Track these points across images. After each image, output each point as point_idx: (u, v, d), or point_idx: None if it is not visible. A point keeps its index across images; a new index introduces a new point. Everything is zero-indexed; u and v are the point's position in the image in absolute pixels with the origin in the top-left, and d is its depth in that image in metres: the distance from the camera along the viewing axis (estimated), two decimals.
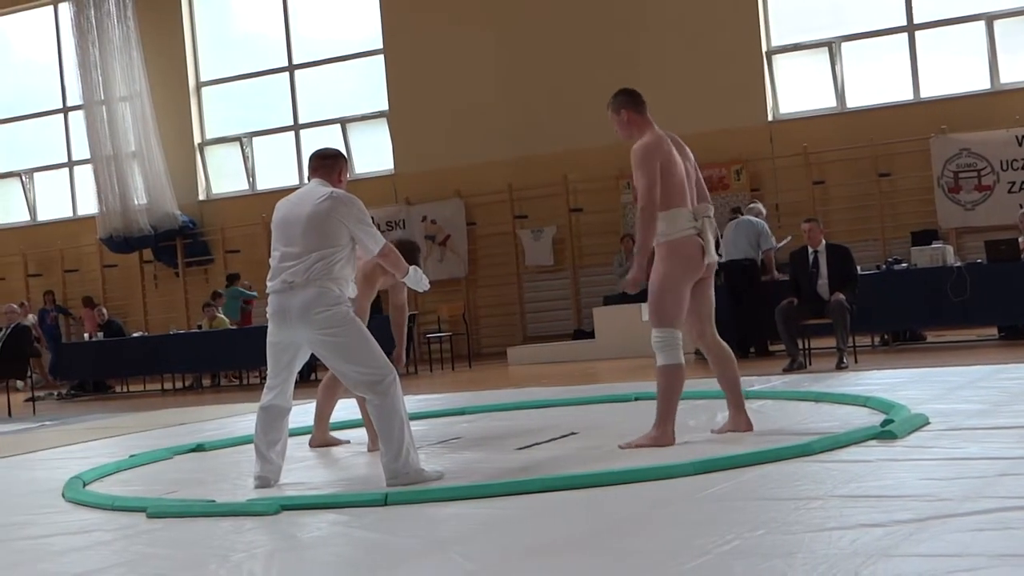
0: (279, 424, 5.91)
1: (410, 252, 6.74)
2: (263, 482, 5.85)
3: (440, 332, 17.12)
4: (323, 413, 7.47)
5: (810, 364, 10.96)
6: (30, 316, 19.94)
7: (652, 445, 6.00)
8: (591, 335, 16.06)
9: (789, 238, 13.35)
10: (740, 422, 6.35)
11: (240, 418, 10.16)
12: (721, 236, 13.22)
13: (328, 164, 6.02)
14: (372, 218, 6.01)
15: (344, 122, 20.31)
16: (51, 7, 22.98)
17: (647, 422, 6.81)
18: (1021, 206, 13.81)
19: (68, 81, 22.77)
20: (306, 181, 6.14)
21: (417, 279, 6.08)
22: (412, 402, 7.42)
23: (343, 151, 6.33)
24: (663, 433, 6.06)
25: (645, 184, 6.10)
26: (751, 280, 12.73)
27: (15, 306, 15.62)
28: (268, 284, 5.81)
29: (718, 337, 6.34)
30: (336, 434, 7.61)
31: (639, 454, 5.86)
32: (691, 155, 6.37)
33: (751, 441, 5.98)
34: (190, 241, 21.28)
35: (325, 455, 7.19)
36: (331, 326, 5.62)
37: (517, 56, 18.69)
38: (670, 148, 6.17)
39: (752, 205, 13.86)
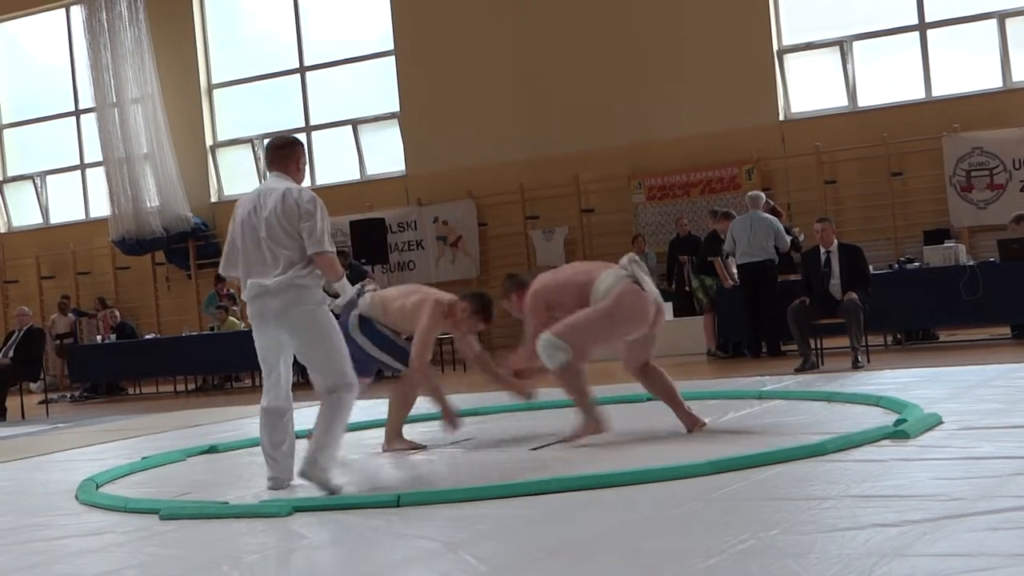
0: (281, 424, 5.87)
1: (485, 304, 7.08)
2: (276, 483, 5.85)
3: (448, 334, 17.12)
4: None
5: (822, 364, 10.93)
6: (69, 315, 19.99)
7: (587, 434, 6.32)
8: None
9: (802, 237, 13.30)
10: (690, 422, 6.65)
11: (253, 420, 10.13)
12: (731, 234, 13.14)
13: (284, 154, 5.90)
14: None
15: (355, 124, 20.32)
16: (63, 10, 23.04)
17: (660, 422, 6.82)
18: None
19: (80, 84, 22.81)
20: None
21: (343, 286, 5.93)
22: (425, 403, 7.39)
23: (299, 139, 6.12)
24: (591, 421, 6.35)
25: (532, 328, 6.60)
26: (771, 280, 12.62)
27: (26, 309, 15.66)
28: (243, 290, 5.76)
29: (650, 364, 6.74)
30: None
31: (651, 453, 5.85)
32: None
33: (764, 441, 5.98)
34: (202, 243, 21.31)
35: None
36: (307, 326, 5.65)
37: (528, 57, 18.68)
38: (549, 279, 6.72)
39: (753, 194, 13.35)
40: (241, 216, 5.80)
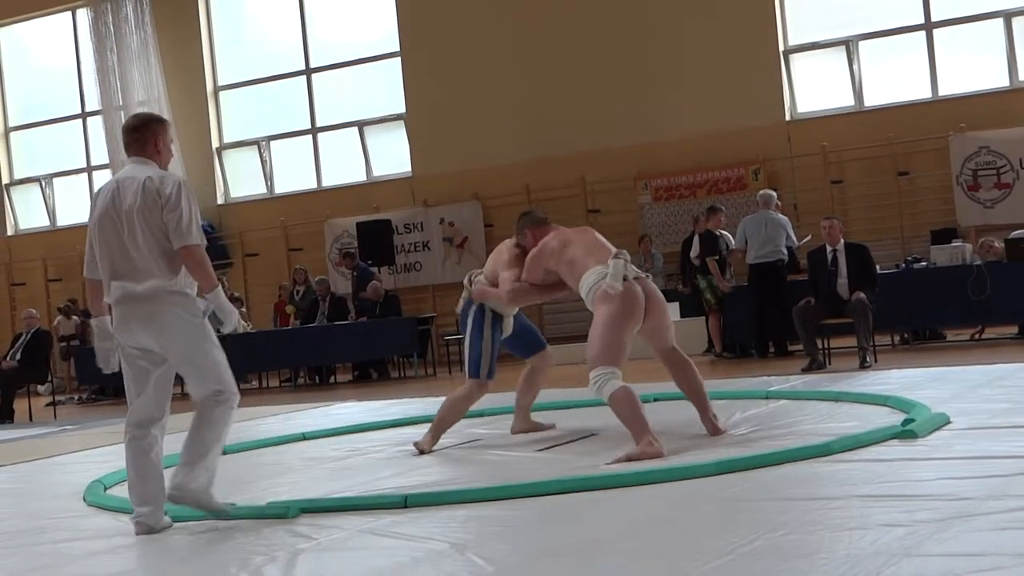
0: (145, 446, 5.18)
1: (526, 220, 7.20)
2: (143, 527, 5.01)
3: (459, 334, 17.14)
4: (522, 404, 7.49)
5: (829, 364, 10.92)
6: (73, 317, 19.99)
7: (642, 458, 5.74)
8: None
9: (809, 237, 13.27)
10: (711, 429, 6.47)
11: (259, 421, 10.19)
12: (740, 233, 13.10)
13: (139, 137, 5.13)
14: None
15: (361, 125, 20.33)
16: (69, 13, 23.07)
17: (666, 423, 6.81)
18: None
19: (86, 86, 22.84)
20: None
21: (221, 306, 5.17)
22: (431, 404, 7.40)
23: (159, 116, 5.34)
24: (648, 444, 5.84)
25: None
26: (782, 279, 12.58)
27: (34, 311, 15.69)
28: (106, 293, 5.13)
29: (677, 348, 6.60)
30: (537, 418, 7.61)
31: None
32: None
33: (771, 441, 5.97)
34: (208, 245, 21.26)
35: (345, 459, 7.17)
36: (180, 333, 5.05)
37: (534, 57, 18.68)
38: (556, 247, 6.85)
39: (765, 193, 13.32)
40: (99, 211, 5.08)
